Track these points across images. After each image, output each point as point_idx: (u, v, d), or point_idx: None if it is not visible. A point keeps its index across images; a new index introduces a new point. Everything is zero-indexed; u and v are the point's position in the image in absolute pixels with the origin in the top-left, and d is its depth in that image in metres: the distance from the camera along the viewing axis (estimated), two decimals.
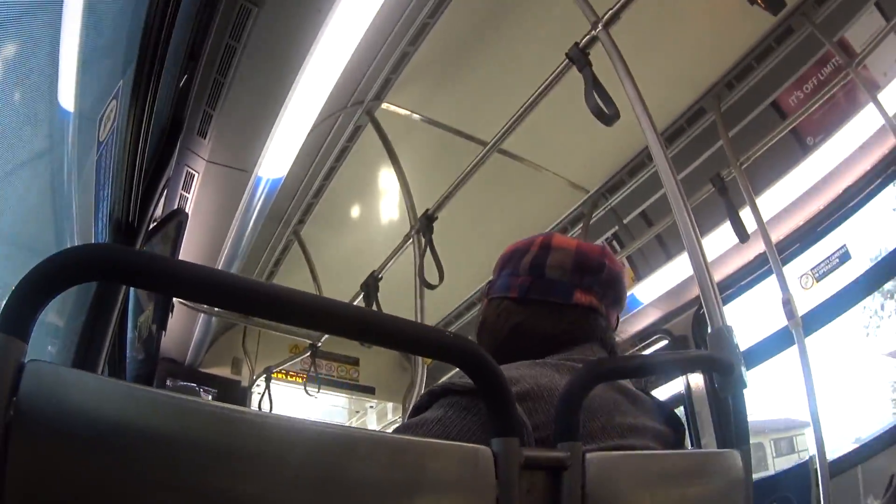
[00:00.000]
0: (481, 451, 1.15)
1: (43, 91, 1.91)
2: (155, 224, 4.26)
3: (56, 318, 2.67)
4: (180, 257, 4.91)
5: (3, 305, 0.87)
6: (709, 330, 2.32)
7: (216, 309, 7.90)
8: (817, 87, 5.11)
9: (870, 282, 4.73)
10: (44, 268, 0.88)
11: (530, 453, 1.22)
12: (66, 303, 2.45)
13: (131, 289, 4.20)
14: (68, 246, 2.63)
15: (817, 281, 5.04)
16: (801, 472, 4.04)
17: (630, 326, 5.70)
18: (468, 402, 1.37)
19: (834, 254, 5.10)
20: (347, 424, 11.59)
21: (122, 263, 0.92)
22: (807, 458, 4.17)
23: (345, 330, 1.06)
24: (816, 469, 3.81)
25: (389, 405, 11.03)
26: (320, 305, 1.04)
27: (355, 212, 7.23)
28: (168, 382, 9.04)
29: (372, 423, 11.54)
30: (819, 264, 5.10)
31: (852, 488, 3.91)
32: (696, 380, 4.78)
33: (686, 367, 2.67)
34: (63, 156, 2.23)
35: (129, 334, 4.57)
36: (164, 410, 0.93)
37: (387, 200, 6.82)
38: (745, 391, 1.98)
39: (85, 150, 2.37)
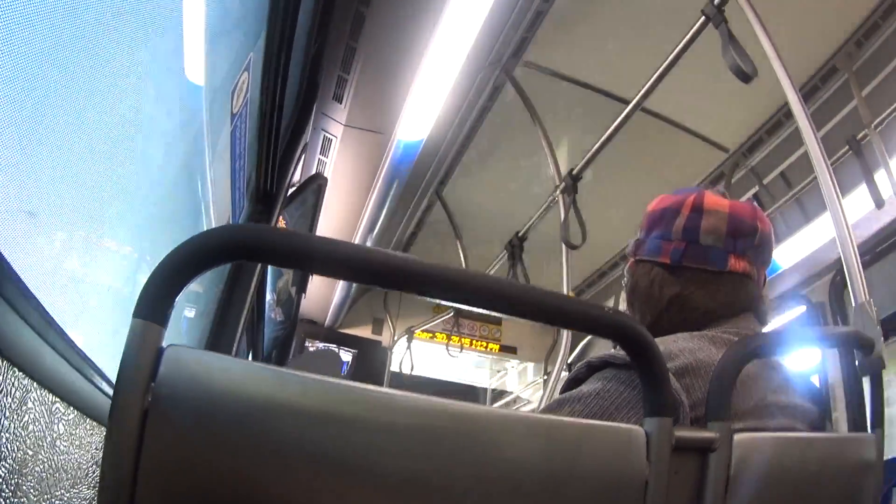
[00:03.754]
0: (634, 431, 1.11)
1: (173, 69, 1.94)
2: (294, 189, 4.35)
3: (188, 297, 2.75)
4: (321, 220, 5.02)
5: (140, 290, 0.87)
6: (847, 298, 2.23)
7: None
8: None
9: None
10: (180, 252, 0.87)
11: (682, 434, 1.17)
12: (199, 282, 2.52)
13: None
14: (207, 216, 2.70)
15: None
16: None
17: (769, 291, 5.48)
18: (627, 375, 1.33)
19: None
20: (487, 386, 11.76)
21: (257, 243, 0.90)
22: None
23: (494, 305, 1.02)
24: None
25: (531, 365, 11.07)
26: (466, 280, 1.00)
27: (497, 172, 7.13)
28: (307, 344, 9.28)
29: (513, 383, 11.64)
30: None
31: None
32: (832, 353, 4.58)
33: (831, 343, 2.61)
34: (196, 131, 2.28)
35: (268, 296, 4.70)
36: (309, 392, 0.92)
37: (528, 160, 6.72)
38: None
39: (218, 123, 2.42)
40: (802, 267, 5.18)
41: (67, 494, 1.32)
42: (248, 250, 0.92)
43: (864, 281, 2.26)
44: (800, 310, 4.98)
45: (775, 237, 1.77)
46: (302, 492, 0.90)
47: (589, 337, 7.97)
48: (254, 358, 5.57)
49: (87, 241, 1.63)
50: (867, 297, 2.18)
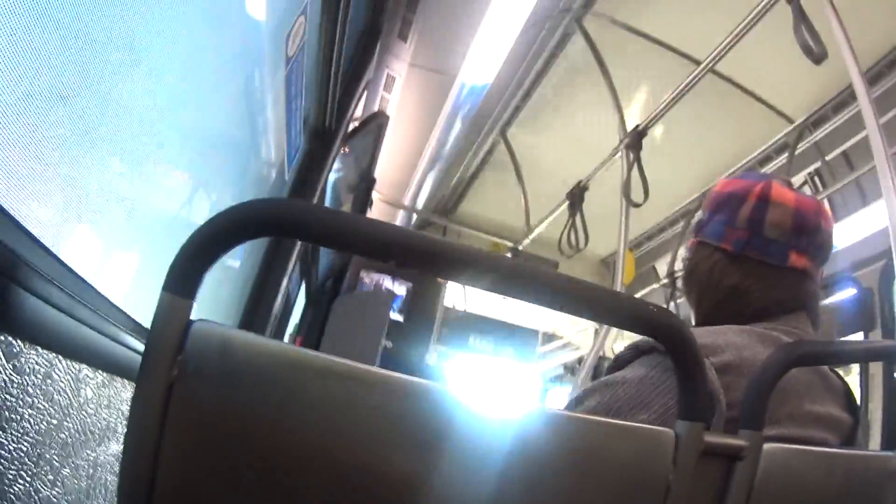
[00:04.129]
0: (663, 433, 1.09)
1: (230, 11, 1.94)
2: (355, 126, 4.36)
3: (223, 270, 2.79)
4: (381, 158, 5.03)
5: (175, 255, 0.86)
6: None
7: (417, 207, 8.09)
8: None
9: None
10: (210, 227, 0.85)
11: (712, 439, 1.15)
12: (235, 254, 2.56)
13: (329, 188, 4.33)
14: (265, 150, 2.73)
15: None
16: None
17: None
18: (672, 363, 1.32)
19: None
20: (537, 329, 11.76)
21: (290, 219, 0.88)
22: None
23: (532, 295, 0.99)
24: None
25: None
26: (503, 268, 0.97)
27: (562, 120, 7.00)
28: (362, 274, 9.32)
29: (564, 328, 11.61)
30: None
31: None
32: (875, 365, 4.46)
33: (872, 356, 2.53)
34: (251, 72, 2.28)
35: None
36: (333, 374, 0.91)
37: (594, 111, 6.63)
38: None
39: (273, 64, 2.42)
40: (856, 249, 5.04)
41: (94, 454, 1.35)
42: (280, 227, 0.91)
43: None
44: (850, 291, 4.87)
45: (833, 215, 1.72)
46: (321, 469, 0.90)
47: (644, 290, 7.91)
48: (307, 288, 5.61)
49: (144, 171, 1.66)
50: None
